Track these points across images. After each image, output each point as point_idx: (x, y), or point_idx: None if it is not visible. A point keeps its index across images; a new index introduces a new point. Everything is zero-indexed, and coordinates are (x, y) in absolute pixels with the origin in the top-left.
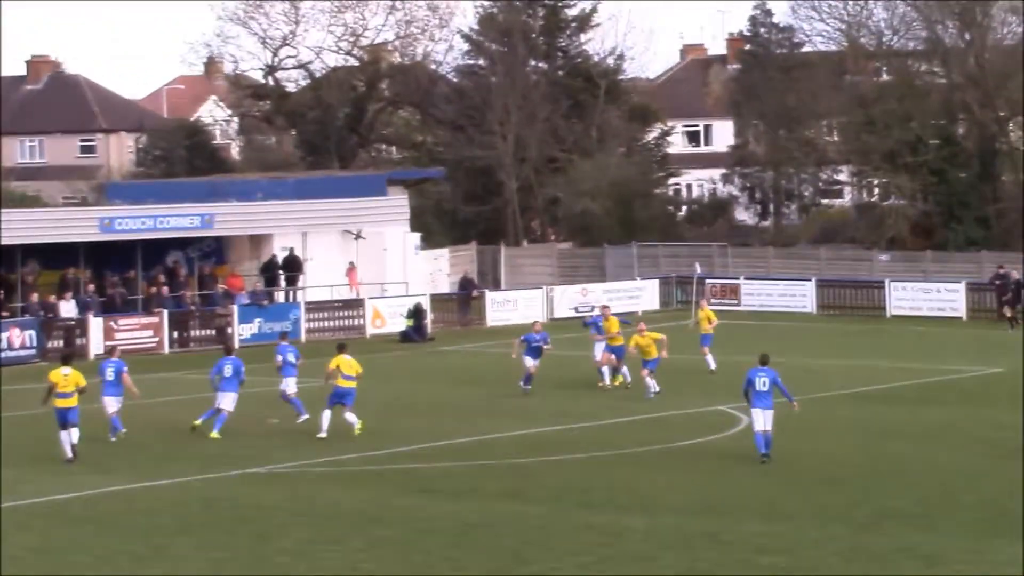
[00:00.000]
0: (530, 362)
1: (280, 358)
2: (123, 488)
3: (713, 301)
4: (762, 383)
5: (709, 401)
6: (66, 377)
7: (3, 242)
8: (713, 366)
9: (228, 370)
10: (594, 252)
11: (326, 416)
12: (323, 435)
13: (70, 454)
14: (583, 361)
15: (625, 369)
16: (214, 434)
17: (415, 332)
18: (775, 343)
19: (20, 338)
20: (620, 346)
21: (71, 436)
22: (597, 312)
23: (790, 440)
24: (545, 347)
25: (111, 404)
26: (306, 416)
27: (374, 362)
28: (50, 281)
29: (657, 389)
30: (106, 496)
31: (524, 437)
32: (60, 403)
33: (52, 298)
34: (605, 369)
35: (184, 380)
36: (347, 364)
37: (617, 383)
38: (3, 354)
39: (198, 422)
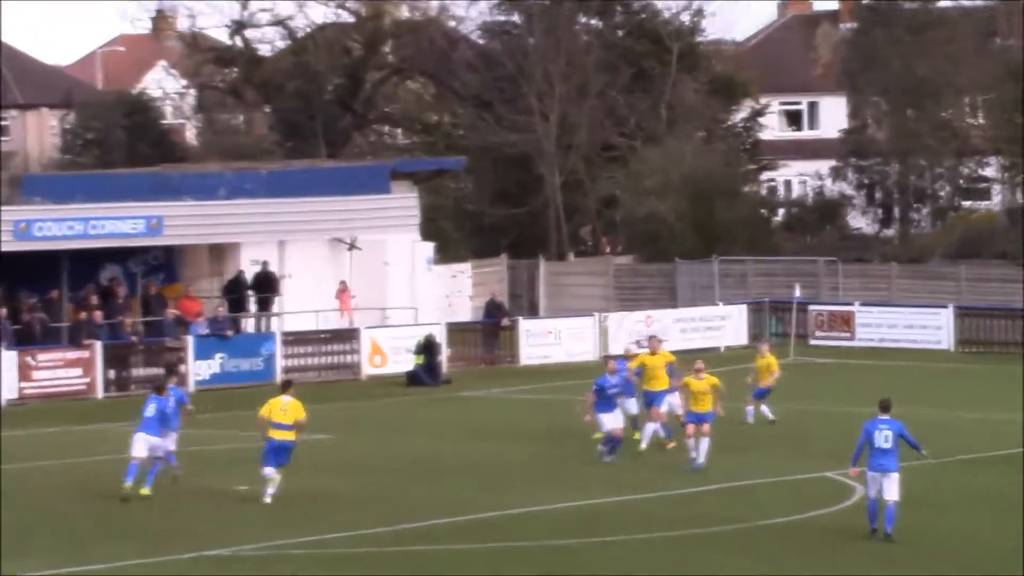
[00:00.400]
0: (609, 419)
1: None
2: (39, 575)
3: (818, 335)
4: (884, 438)
5: (809, 465)
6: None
7: None
8: (771, 416)
9: (151, 409)
10: (662, 268)
11: (267, 473)
12: (268, 500)
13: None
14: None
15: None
16: (144, 490)
17: (426, 372)
18: (898, 389)
19: None
20: (660, 392)
21: None
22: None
23: (919, 516)
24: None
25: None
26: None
27: (372, 411)
28: None
29: (700, 460)
30: None
31: (568, 511)
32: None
33: None
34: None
35: (123, 433)
36: (280, 408)
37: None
38: None
39: (127, 485)
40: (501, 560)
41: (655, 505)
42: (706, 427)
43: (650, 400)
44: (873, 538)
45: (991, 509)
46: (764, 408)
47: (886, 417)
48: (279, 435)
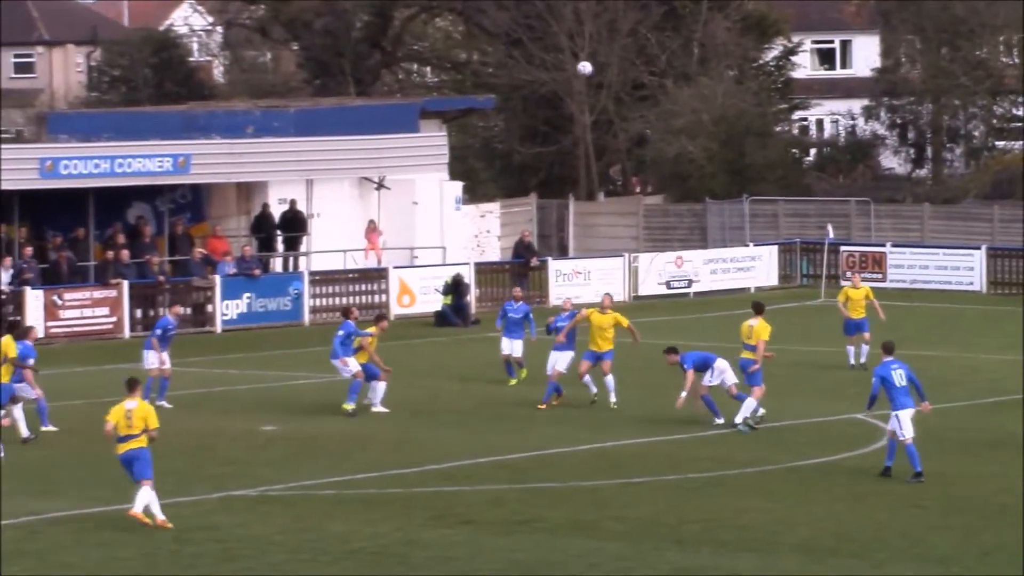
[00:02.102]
0: (506, 344)
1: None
2: (70, 514)
3: (849, 275)
4: (899, 377)
5: (838, 407)
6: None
7: None
8: (859, 359)
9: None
10: (692, 209)
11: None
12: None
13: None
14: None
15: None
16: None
17: (454, 313)
18: (930, 330)
19: None
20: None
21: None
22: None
23: (946, 459)
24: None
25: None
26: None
27: (400, 351)
28: None
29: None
30: (48, 524)
31: (597, 452)
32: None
33: None
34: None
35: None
36: (124, 416)
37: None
38: None
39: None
40: (528, 500)
41: (680, 447)
42: (607, 364)
43: (593, 358)
44: (886, 476)
45: (1021, 452)
46: (863, 347)
47: (893, 358)
48: (124, 446)
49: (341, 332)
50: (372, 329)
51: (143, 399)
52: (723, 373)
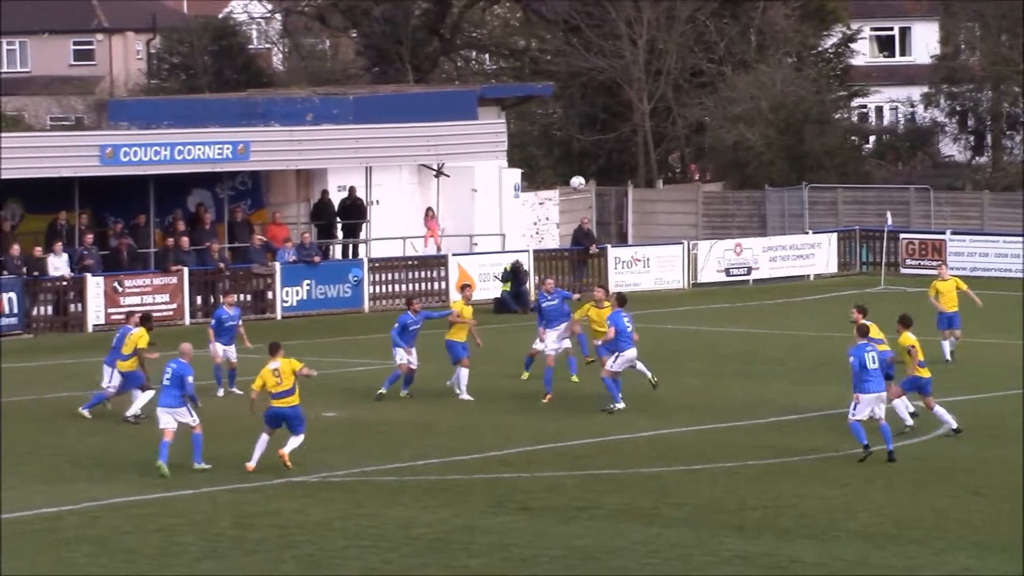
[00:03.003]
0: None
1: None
2: (131, 500)
3: (909, 263)
4: (872, 359)
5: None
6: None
7: None
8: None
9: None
10: (751, 196)
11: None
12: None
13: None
14: (735, 338)
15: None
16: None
17: (513, 299)
18: (989, 318)
19: None
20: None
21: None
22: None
23: (1008, 447)
24: None
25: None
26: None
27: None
28: (35, 228)
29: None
30: (109, 510)
31: (656, 439)
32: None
33: (38, 251)
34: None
35: (209, 360)
36: (272, 376)
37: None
38: None
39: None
40: (587, 487)
41: (740, 434)
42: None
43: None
44: (865, 456)
45: None
46: (951, 340)
47: (867, 341)
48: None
49: (397, 325)
50: (458, 302)
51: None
52: (629, 362)
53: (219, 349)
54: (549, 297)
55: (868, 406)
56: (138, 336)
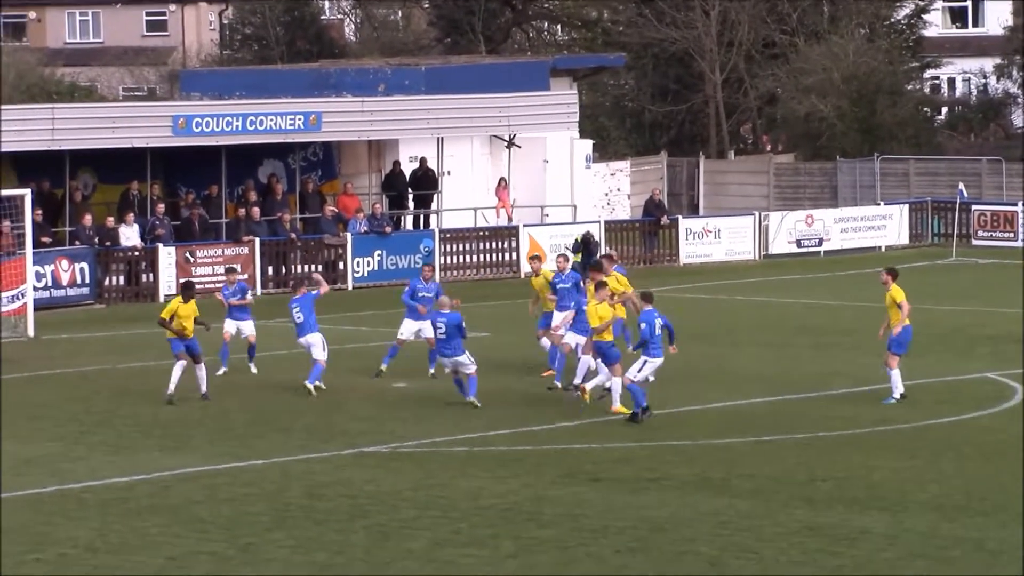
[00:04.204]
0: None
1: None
2: (201, 470)
3: (981, 235)
4: (658, 326)
5: (969, 366)
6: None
7: (55, 147)
8: None
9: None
10: (823, 167)
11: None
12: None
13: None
14: (806, 310)
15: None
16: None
17: (584, 270)
18: None
19: (69, 272)
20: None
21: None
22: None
23: None
24: None
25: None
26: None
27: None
28: (108, 199)
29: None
30: (180, 480)
31: (727, 411)
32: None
33: (110, 221)
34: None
35: (282, 330)
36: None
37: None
38: (49, 292)
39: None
40: (657, 458)
41: (811, 406)
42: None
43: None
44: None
45: None
46: None
47: (652, 307)
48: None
49: (408, 289)
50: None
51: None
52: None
53: (231, 326)
54: (563, 278)
55: (651, 369)
56: (176, 304)
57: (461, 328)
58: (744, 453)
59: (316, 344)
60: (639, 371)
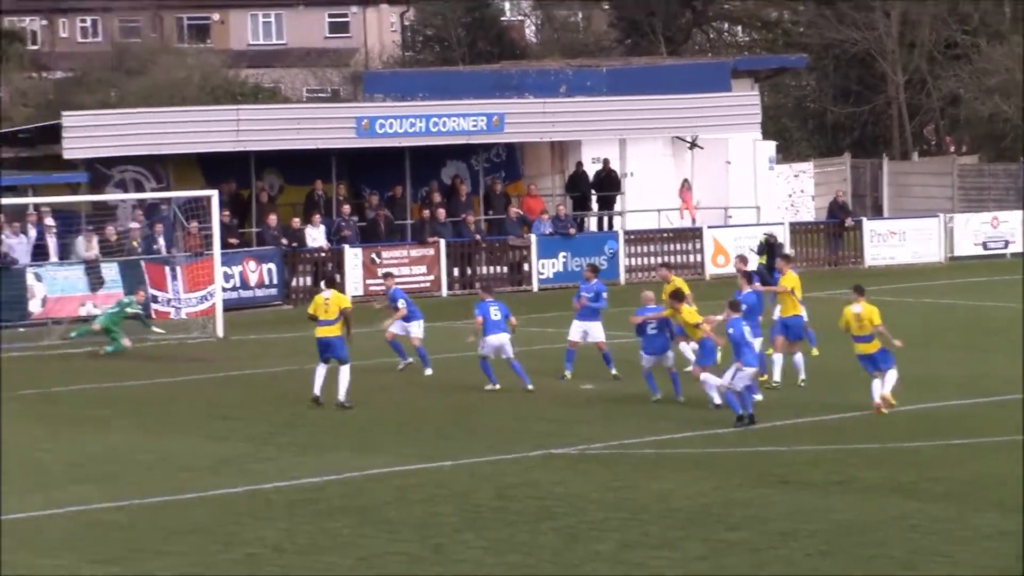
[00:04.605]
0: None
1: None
2: (392, 471)
3: None
4: (495, 312)
5: None
6: (327, 301)
7: (239, 148)
8: None
9: (495, 312)
10: (1007, 169)
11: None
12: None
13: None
14: (995, 312)
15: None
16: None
17: (769, 272)
18: None
19: (257, 273)
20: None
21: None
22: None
23: None
24: None
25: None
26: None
27: (715, 311)
28: (294, 200)
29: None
30: (370, 480)
31: (917, 414)
32: (321, 332)
33: (295, 222)
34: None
35: (467, 331)
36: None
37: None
38: (237, 293)
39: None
40: (846, 461)
41: (1003, 410)
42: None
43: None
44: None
45: None
46: None
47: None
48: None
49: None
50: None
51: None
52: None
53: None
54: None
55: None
56: (338, 298)
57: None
58: (933, 456)
59: (507, 343)
60: (732, 379)
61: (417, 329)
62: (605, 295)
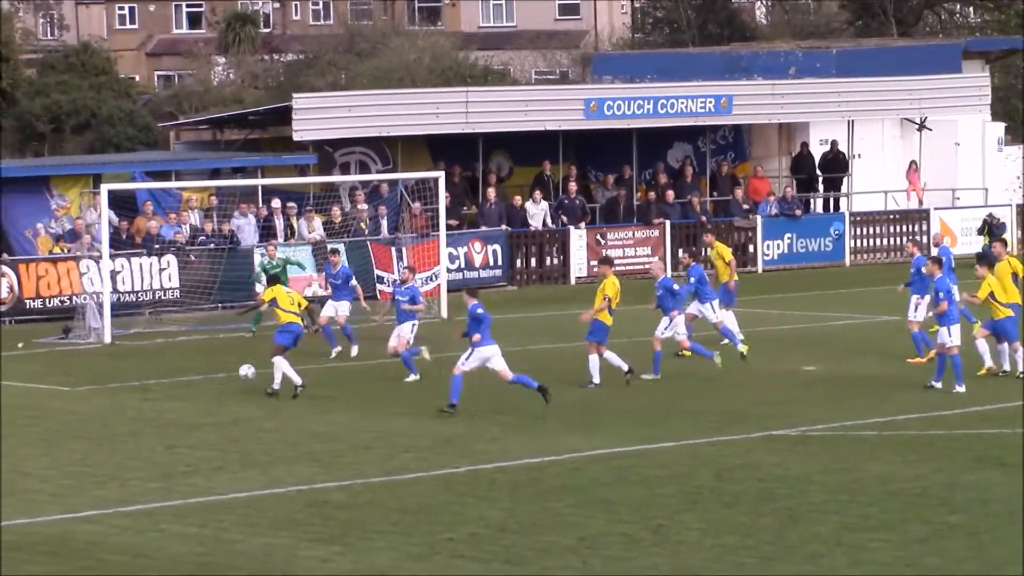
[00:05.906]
0: None
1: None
2: (612, 451)
3: None
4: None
5: None
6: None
7: (468, 130)
8: None
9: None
10: None
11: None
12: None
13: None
14: None
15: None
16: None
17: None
18: None
19: (482, 254)
20: None
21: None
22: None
23: None
24: None
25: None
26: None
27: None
28: (522, 182)
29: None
30: (590, 461)
31: None
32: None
33: (517, 199)
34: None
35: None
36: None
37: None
38: (462, 274)
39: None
40: None
41: None
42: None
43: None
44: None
45: None
46: None
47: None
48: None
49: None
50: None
51: None
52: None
53: (330, 309)
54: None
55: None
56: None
57: None
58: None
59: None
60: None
61: (344, 309)
62: None
